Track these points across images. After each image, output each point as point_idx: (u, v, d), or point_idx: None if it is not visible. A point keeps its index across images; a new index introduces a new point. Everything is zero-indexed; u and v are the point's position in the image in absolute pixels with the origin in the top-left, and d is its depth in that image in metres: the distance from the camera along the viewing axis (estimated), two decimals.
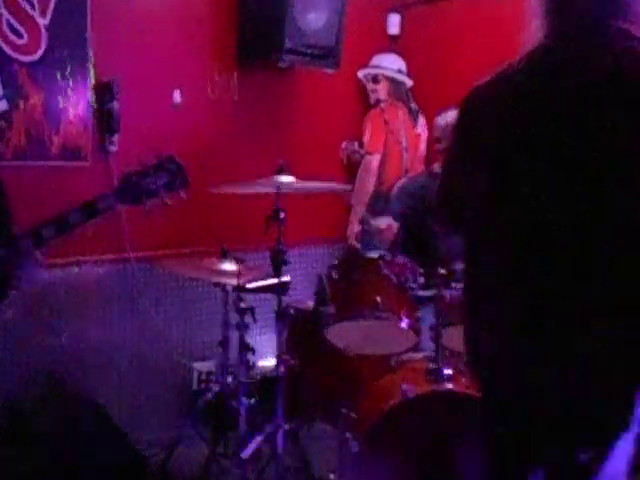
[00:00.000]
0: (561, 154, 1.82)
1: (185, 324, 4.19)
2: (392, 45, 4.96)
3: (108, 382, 3.91)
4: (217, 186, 3.24)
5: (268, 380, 3.41)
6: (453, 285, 2.98)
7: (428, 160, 4.83)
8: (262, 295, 3.43)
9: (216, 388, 3.62)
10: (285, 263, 3.04)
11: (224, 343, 3.53)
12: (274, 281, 3.21)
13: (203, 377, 4.24)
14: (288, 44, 4.10)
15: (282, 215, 3.06)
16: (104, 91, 3.80)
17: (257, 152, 4.34)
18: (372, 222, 3.73)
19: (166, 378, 4.13)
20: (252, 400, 3.28)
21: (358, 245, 4.70)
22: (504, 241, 1.91)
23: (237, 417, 3.25)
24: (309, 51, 4.18)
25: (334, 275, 3.14)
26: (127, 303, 3.98)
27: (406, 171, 4.75)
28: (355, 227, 4.72)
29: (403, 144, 4.75)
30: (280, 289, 3.11)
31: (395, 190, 4.15)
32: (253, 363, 3.31)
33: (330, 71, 4.37)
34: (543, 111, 1.85)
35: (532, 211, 1.85)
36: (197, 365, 4.23)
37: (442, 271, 3.03)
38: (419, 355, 3.21)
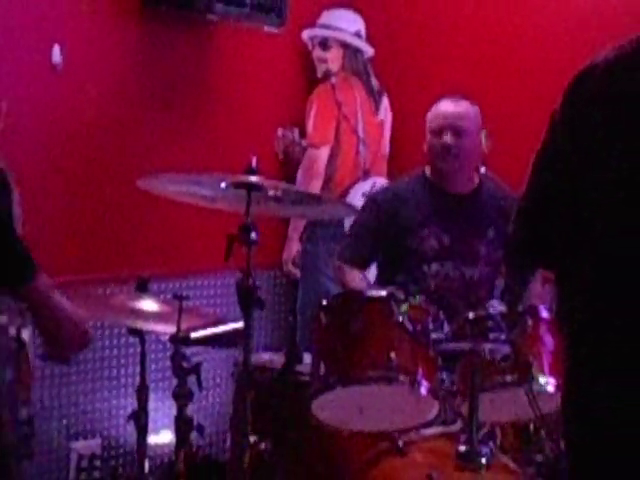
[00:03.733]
0: None
1: (63, 385, 4.04)
2: None
3: None
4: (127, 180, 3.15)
5: (214, 469, 3.30)
6: (491, 336, 2.98)
7: (392, 157, 4.86)
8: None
9: None
10: (261, 305, 2.93)
11: (140, 417, 3.40)
12: (233, 328, 3.12)
13: (84, 463, 4.11)
14: None
15: (254, 235, 2.95)
16: None
17: (165, 136, 4.31)
18: None
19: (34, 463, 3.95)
20: None
21: (297, 272, 4.66)
22: None
23: None
24: (248, 0, 4.12)
25: (323, 319, 3.07)
26: None
27: (365, 172, 4.74)
28: (294, 247, 4.67)
29: (360, 135, 4.75)
30: (246, 340, 3.00)
31: (366, 198, 4.14)
32: (198, 447, 3.19)
33: (273, 29, 4.32)
34: None
35: None
36: (77, 445, 4.08)
37: (471, 316, 3.04)
38: (430, 431, 3.20)
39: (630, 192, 2.02)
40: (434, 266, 3.74)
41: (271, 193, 3.05)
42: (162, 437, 3.83)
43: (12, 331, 2.44)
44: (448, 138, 3.71)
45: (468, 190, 3.82)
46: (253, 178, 2.98)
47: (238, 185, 2.99)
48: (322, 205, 3.53)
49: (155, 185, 3.17)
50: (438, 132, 3.73)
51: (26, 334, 2.51)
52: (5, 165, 2.48)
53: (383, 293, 3.09)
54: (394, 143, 4.87)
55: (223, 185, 3.01)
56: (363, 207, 4.01)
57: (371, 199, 4.05)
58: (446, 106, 3.78)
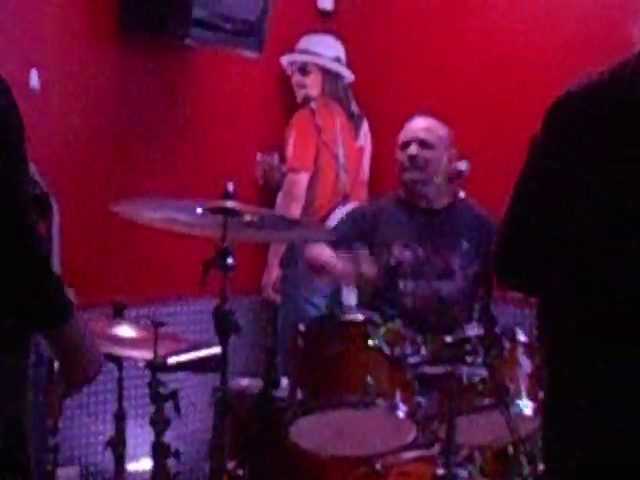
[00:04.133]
0: None
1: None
2: (323, 24, 4.97)
3: None
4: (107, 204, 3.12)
5: None
6: (468, 359, 2.98)
7: (372, 182, 4.87)
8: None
9: None
10: (237, 329, 2.92)
11: (117, 444, 3.37)
12: (210, 353, 3.11)
13: None
14: (197, 13, 4.03)
15: (230, 261, 2.94)
16: None
17: (142, 161, 4.31)
18: None
19: None
20: None
21: (277, 297, 4.65)
22: None
23: None
24: (226, 25, 4.12)
25: (300, 344, 3.06)
26: None
27: (345, 197, 4.74)
28: (274, 272, 4.66)
29: (340, 160, 4.75)
30: (223, 366, 2.98)
31: (344, 216, 4.16)
32: (176, 474, 3.17)
33: (251, 54, 4.32)
34: None
35: None
36: (61, 472, 4.03)
37: (448, 339, 3.03)
38: (408, 454, 3.18)
39: (613, 210, 2.02)
40: (409, 284, 3.76)
41: (248, 218, 3.05)
42: (140, 464, 3.79)
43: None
44: (413, 149, 3.77)
45: (440, 206, 3.85)
46: (229, 203, 2.98)
47: (214, 210, 2.99)
48: (300, 229, 3.53)
49: (131, 211, 3.16)
50: (405, 145, 3.80)
51: (56, 366, 2.47)
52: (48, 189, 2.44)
53: (360, 317, 3.08)
54: (374, 168, 4.87)
55: (199, 211, 3.00)
56: (343, 221, 4.04)
57: (350, 214, 4.11)
58: (413, 121, 3.87)
